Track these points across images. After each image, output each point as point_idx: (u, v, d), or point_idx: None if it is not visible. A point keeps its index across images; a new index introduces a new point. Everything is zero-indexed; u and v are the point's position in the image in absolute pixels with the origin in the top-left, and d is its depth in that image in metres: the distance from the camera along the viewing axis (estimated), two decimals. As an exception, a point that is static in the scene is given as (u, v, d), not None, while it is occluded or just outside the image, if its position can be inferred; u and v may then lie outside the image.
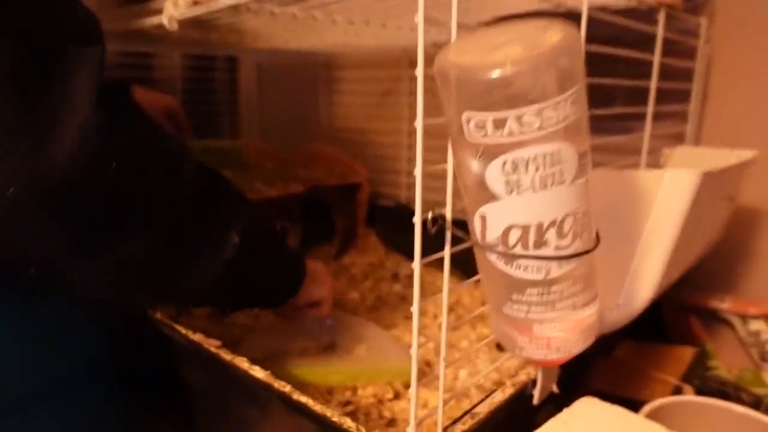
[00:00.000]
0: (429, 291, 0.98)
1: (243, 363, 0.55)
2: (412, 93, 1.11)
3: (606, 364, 0.68)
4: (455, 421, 0.48)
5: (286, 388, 0.52)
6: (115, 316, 0.61)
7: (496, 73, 0.32)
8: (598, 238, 0.39)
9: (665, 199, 0.48)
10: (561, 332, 0.41)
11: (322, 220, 1.13)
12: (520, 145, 0.33)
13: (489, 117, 0.33)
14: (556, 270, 0.37)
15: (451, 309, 0.90)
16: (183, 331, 0.62)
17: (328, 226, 1.14)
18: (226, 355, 0.57)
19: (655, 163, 0.75)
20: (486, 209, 0.36)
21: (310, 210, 1.07)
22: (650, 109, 0.67)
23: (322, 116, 1.25)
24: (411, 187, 1.13)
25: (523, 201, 0.35)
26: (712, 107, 0.81)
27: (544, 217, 0.35)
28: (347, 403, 0.65)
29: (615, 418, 0.47)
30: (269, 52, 1.20)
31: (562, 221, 0.36)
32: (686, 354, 0.70)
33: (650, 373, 0.67)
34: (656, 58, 0.66)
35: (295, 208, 1.03)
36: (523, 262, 0.37)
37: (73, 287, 0.48)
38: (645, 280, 0.50)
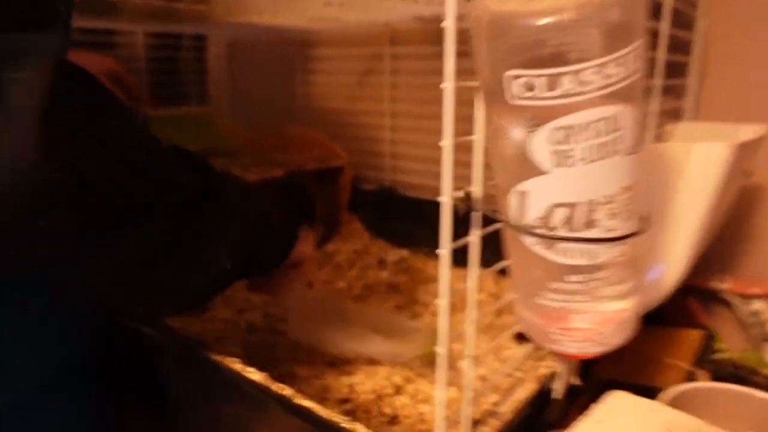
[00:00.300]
0: (419, 278, 0.93)
1: (235, 364, 0.49)
2: (395, 72, 1.04)
3: (614, 351, 0.64)
4: (477, 423, 0.43)
5: (286, 391, 0.46)
6: (95, 315, 0.54)
7: (551, 20, 0.26)
8: (648, 217, 0.35)
9: (695, 173, 0.44)
10: (601, 324, 0.36)
11: (302, 207, 1.06)
12: (575, 107, 0.28)
13: (540, 75, 0.27)
14: (603, 254, 0.33)
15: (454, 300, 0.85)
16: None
17: (308, 212, 1.07)
18: (219, 357, 0.50)
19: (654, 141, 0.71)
20: (527, 185, 0.31)
21: (289, 196, 1.00)
22: (659, 82, 0.62)
23: (298, 97, 1.18)
24: (395, 170, 1.07)
25: (573, 175, 0.30)
26: (711, 82, 0.77)
27: (595, 194, 0.30)
28: (345, 400, 0.60)
29: (649, 412, 0.43)
30: (239, 29, 1.11)
31: (616, 198, 0.31)
32: (693, 337, 0.67)
33: (660, 358, 0.63)
34: (664, 26, 0.62)
35: (274, 194, 0.96)
36: (566, 245, 0.32)
37: (60, 288, 0.42)
38: (673, 261, 0.46)
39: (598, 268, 0.33)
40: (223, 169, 0.48)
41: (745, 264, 0.78)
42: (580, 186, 0.30)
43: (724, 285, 0.76)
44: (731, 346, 0.74)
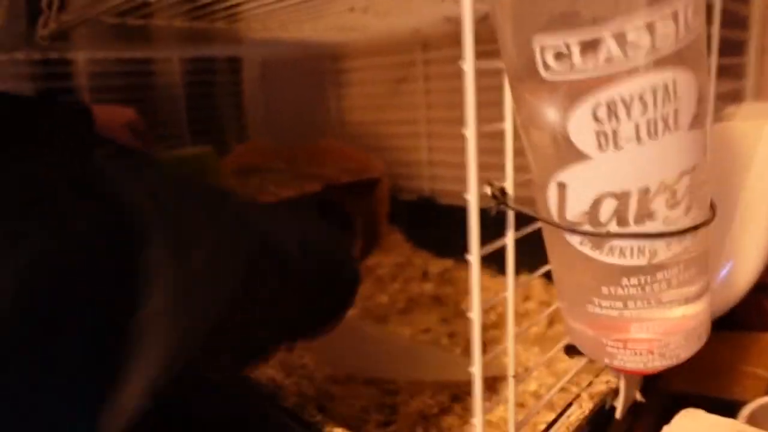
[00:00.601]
0: (464, 289, 0.87)
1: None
2: (428, 78, 1.00)
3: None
4: (527, 449, 0.38)
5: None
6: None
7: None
8: (713, 206, 0.29)
9: (769, 155, 0.38)
10: (665, 333, 0.30)
11: (341, 220, 1.03)
12: (620, 77, 0.23)
13: (574, 39, 0.22)
14: (664, 251, 0.27)
15: (492, 309, 0.80)
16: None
17: (347, 225, 1.04)
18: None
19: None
20: (567, 175, 0.26)
21: (327, 210, 0.97)
22: (714, 61, 0.56)
23: (331, 111, 1.15)
24: (434, 178, 1.03)
25: (622, 158, 0.24)
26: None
27: (650, 179, 0.25)
28: (387, 423, 0.55)
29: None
30: (272, 48, 1.10)
31: (676, 183, 0.25)
32: (771, 341, 0.59)
33: (736, 366, 0.56)
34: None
35: (312, 209, 0.93)
36: (619, 243, 0.27)
37: None
38: (746, 256, 0.39)
39: (658, 268, 0.27)
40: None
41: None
42: (632, 170, 0.25)
43: (804, 282, 0.67)
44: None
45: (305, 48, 1.08)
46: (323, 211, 0.96)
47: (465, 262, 0.95)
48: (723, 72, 0.70)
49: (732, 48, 0.69)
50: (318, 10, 0.70)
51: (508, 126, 0.30)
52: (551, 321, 0.72)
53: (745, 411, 0.48)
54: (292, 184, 0.88)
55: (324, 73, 1.15)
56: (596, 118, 0.24)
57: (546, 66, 0.23)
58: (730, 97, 0.71)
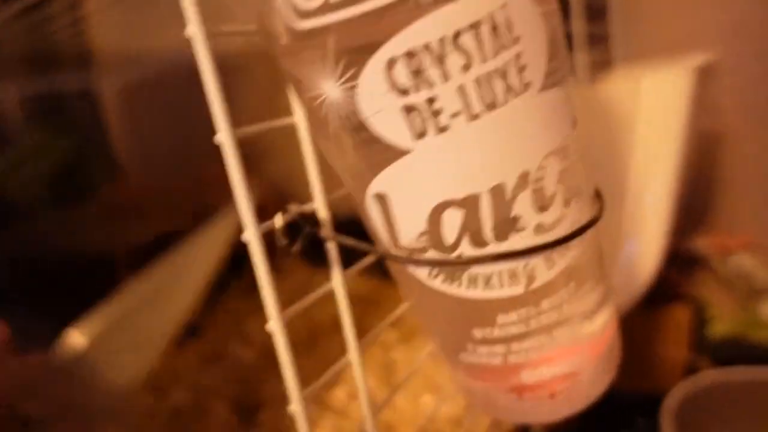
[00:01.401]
0: (369, 303, 0.77)
1: None
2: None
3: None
4: None
5: None
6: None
7: None
8: (599, 194, 0.20)
9: (653, 113, 0.30)
10: (570, 367, 0.21)
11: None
12: (417, 12, 0.13)
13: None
14: (544, 271, 0.18)
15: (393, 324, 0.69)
16: None
17: (238, 258, 0.91)
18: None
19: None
20: (383, 182, 0.16)
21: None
22: (578, 27, 0.49)
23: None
24: (330, 191, 0.92)
25: (453, 144, 0.15)
26: (639, 25, 0.64)
27: (504, 171, 0.15)
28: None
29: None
30: (129, 67, 0.95)
31: (542, 171, 0.16)
32: (682, 315, 0.53)
33: (649, 350, 0.49)
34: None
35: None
36: (480, 270, 0.17)
37: None
38: (650, 228, 0.31)
39: (541, 294, 0.18)
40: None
41: (718, 218, 0.64)
42: (472, 163, 0.15)
43: (701, 244, 0.62)
44: (721, 312, 0.60)
45: (169, 65, 0.94)
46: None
47: (365, 278, 0.84)
48: (590, 40, 0.63)
49: (597, 13, 0.63)
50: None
51: (299, 120, 0.19)
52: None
53: (670, 403, 0.40)
54: (172, 219, 0.74)
55: (195, 89, 1.01)
56: (396, 85, 0.14)
57: (295, 8, 0.13)
58: (599, 67, 0.65)
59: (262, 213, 0.72)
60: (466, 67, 0.13)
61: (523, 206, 0.16)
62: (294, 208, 0.19)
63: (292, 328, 0.71)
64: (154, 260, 0.69)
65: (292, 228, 0.19)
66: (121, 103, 1.04)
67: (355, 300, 0.79)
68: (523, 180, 0.16)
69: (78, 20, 0.53)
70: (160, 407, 0.58)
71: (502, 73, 0.14)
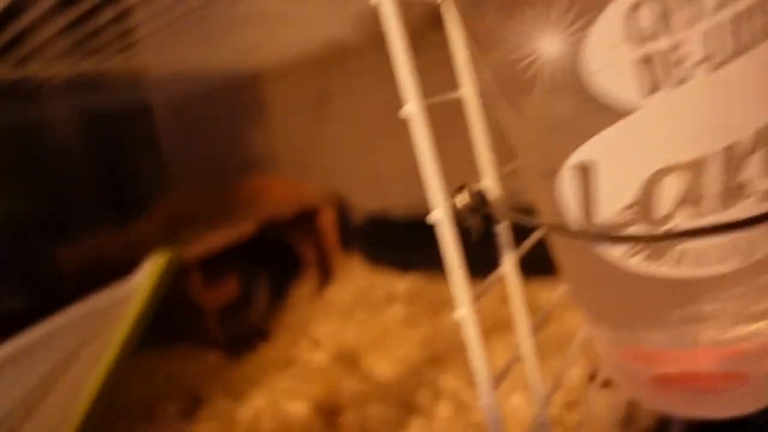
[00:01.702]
0: (436, 304, 0.75)
1: None
2: (352, 92, 0.88)
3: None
4: None
5: None
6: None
7: None
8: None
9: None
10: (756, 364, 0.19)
11: (287, 258, 0.89)
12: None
13: None
14: (764, 243, 0.16)
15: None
16: None
17: (294, 262, 0.90)
18: None
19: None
20: (592, 149, 0.14)
21: (269, 250, 0.83)
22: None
23: (258, 143, 1.02)
24: (383, 194, 0.91)
25: (689, 98, 0.13)
26: None
27: (741, 126, 0.14)
28: None
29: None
30: (178, 86, 0.96)
31: (781, 127, 0.14)
32: None
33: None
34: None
35: (251, 253, 0.79)
36: (694, 245, 0.15)
37: None
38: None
39: (759, 269, 0.16)
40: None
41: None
42: (706, 119, 0.13)
43: None
44: None
45: (213, 80, 0.94)
46: (266, 252, 0.82)
47: (429, 275, 0.82)
48: None
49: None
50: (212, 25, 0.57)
51: (467, 92, 0.18)
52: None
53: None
54: (225, 230, 0.74)
55: (240, 105, 1.01)
56: (634, 33, 0.12)
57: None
58: None
59: (316, 216, 0.71)
60: (721, 5, 0.12)
61: (753, 169, 0.14)
62: (473, 188, 0.17)
63: (362, 329, 0.69)
64: (216, 268, 0.69)
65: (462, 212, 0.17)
66: (173, 117, 1.05)
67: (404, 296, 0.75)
68: (760, 137, 0.14)
69: (126, 33, 0.53)
70: (241, 413, 0.58)
71: (763, 8, 0.12)
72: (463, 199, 0.17)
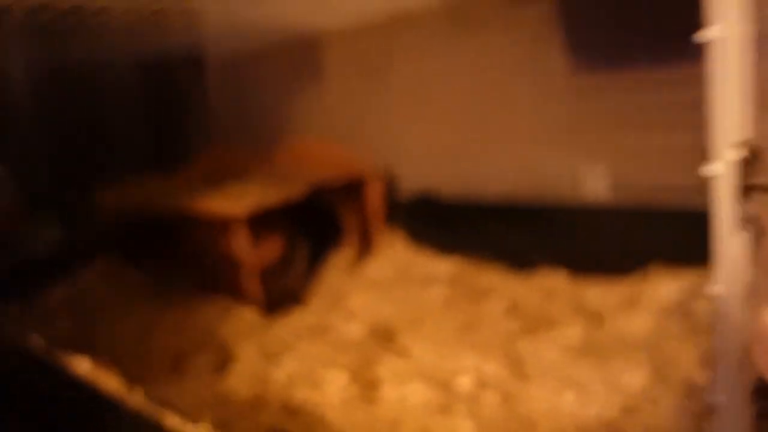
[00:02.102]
0: (477, 293, 0.73)
1: None
2: (413, 61, 0.85)
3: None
4: None
5: None
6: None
7: None
8: None
9: None
10: None
11: (328, 225, 0.87)
12: None
13: None
14: None
15: (509, 309, 0.65)
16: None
17: (335, 230, 0.88)
18: None
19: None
20: None
21: (313, 215, 0.82)
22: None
23: (312, 107, 0.99)
24: (434, 172, 0.88)
25: None
26: None
27: None
28: None
29: None
30: (234, 37, 0.94)
31: None
32: None
33: None
34: None
35: (297, 216, 0.78)
36: None
37: None
38: None
39: None
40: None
41: None
42: None
43: None
44: None
45: (271, 38, 0.92)
46: (311, 216, 0.80)
47: (471, 260, 0.79)
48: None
49: None
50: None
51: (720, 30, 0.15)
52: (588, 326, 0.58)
53: None
54: (276, 188, 0.72)
55: (296, 66, 0.99)
56: None
57: None
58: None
59: (364, 186, 0.68)
60: None
61: None
62: (757, 145, 0.14)
63: (401, 311, 0.65)
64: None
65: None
66: (224, 70, 1.03)
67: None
68: None
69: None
70: (275, 375, 0.57)
71: None
72: (743, 151, 0.14)
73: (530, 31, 0.73)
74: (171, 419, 0.31)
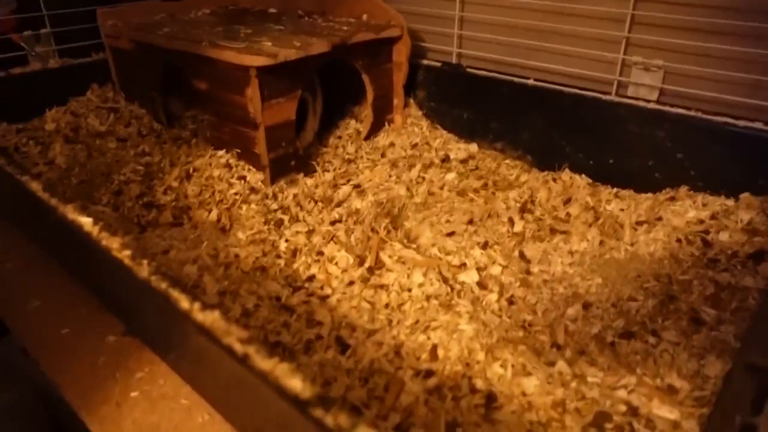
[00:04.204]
0: (493, 183, 0.70)
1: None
2: None
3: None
4: None
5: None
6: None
7: None
8: None
9: None
10: None
11: (347, 86, 0.81)
12: None
13: None
14: None
15: (524, 209, 0.64)
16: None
17: (354, 93, 0.83)
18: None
19: None
20: None
21: (332, 72, 0.76)
22: None
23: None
24: (464, 40, 0.80)
25: None
26: None
27: None
28: (428, 373, 0.42)
29: None
30: None
31: None
32: None
33: None
34: None
35: (315, 72, 0.72)
36: None
37: None
38: None
39: None
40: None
41: None
42: None
43: None
44: None
45: None
46: (329, 71, 0.74)
47: (492, 148, 0.76)
48: None
49: None
50: None
51: None
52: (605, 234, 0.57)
53: None
54: (293, 42, 0.65)
55: None
56: None
57: None
58: None
59: (400, 44, 0.60)
60: None
61: None
62: None
63: (411, 190, 0.63)
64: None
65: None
66: None
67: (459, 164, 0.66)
68: None
69: None
70: (277, 243, 0.56)
71: None
72: None
73: None
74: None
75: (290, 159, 0.67)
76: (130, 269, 0.34)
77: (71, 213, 0.39)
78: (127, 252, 0.35)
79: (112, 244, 0.36)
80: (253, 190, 0.64)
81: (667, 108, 0.63)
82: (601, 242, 0.57)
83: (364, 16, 0.77)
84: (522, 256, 0.55)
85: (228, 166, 0.66)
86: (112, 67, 0.81)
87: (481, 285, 0.51)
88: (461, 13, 0.79)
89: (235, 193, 0.63)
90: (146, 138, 0.73)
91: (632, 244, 0.55)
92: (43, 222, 0.47)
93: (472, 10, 0.78)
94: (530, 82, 0.72)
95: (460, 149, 0.77)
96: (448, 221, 0.62)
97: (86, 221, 0.38)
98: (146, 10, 0.83)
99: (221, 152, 0.68)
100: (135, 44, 0.75)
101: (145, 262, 0.34)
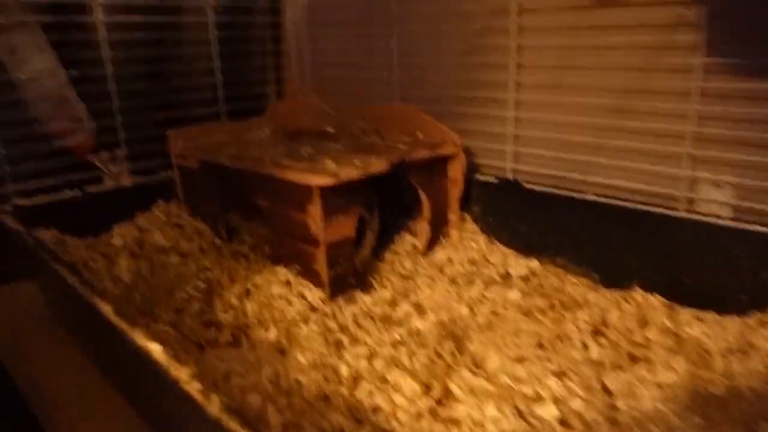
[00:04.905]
0: (559, 301, 0.67)
1: None
2: (522, 30, 0.77)
3: None
4: None
5: None
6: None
7: None
8: None
9: None
10: None
11: (400, 200, 0.83)
12: None
13: None
14: None
15: (597, 332, 0.60)
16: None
17: (408, 207, 0.84)
18: None
19: None
20: None
21: (387, 191, 0.77)
22: None
23: (394, 66, 0.93)
24: (519, 157, 0.81)
25: None
26: None
27: None
28: None
29: None
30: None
31: None
32: None
33: None
34: None
35: (373, 189, 0.73)
36: None
37: None
38: None
39: None
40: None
41: None
42: None
43: None
44: None
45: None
46: (389, 191, 0.76)
47: (553, 263, 0.73)
48: None
49: None
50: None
51: None
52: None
53: None
54: (353, 161, 0.67)
55: (384, 19, 0.91)
56: None
57: None
58: None
59: (455, 161, 0.60)
60: None
61: None
62: None
63: (473, 309, 0.60)
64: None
65: None
66: (304, 15, 0.97)
67: (520, 281, 0.63)
68: None
69: None
70: (338, 366, 0.54)
71: None
72: None
73: (672, 13, 0.63)
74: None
75: (349, 276, 0.66)
76: (201, 406, 0.32)
77: (140, 338, 0.38)
78: (197, 385, 0.34)
79: (181, 375, 0.35)
80: (312, 308, 0.63)
81: (743, 225, 0.61)
82: (691, 373, 0.52)
83: (419, 134, 0.80)
84: (604, 388, 0.51)
85: (287, 283, 0.66)
86: (178, 184, 0.85)
87: (564, 423, 0.47)
88: (515, 131, 0.81)
89: (295, 312, 0.62)
90: (207, 253, 0.74)
91: (727, 376, 0.50)
92: (108, 344, 0.46)
93: (526, 127, 0.80)
94: (590, 197, 0.71)
95: (520, 265, 0.75)
96: (516, 344, 0.58)
97: (155, 348, 0.37)
98: (212, 130, 0.88)
99: (279, 268, 0.68)
100: (201, 163, 0.79)
101: (215, 397, 0.32)
